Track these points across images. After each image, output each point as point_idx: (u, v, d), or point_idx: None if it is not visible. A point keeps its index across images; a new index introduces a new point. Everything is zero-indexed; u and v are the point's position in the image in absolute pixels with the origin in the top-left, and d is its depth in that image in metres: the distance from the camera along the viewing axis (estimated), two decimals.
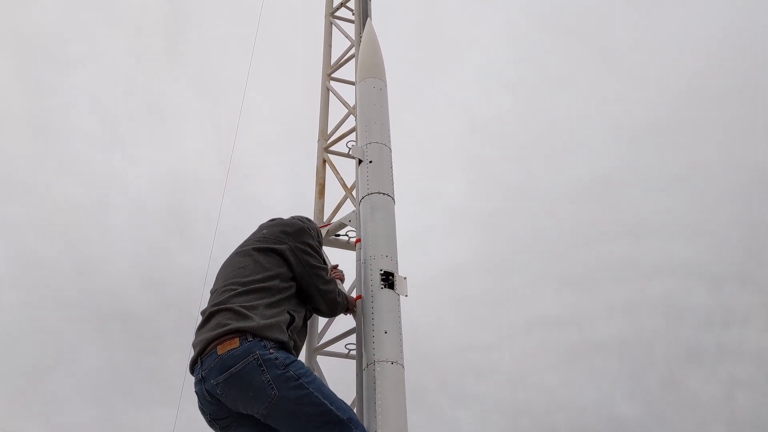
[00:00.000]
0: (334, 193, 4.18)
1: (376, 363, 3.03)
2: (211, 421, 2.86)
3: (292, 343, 2.84)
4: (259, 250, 3.03)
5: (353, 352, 3.51)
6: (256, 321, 2.74)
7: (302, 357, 3.57)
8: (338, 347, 3.65)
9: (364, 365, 3.10)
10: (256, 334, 2.71)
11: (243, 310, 2.78)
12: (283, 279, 2.96)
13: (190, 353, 2.89)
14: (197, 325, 2.92)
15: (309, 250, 3.08)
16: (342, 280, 3.64)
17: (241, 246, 3.15)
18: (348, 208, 3.94)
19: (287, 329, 2.83)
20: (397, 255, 3.41)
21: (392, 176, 3.63)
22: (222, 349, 2.68)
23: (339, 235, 3.92)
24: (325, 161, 4.17)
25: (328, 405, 2.68)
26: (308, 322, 3.72)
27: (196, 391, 2.83)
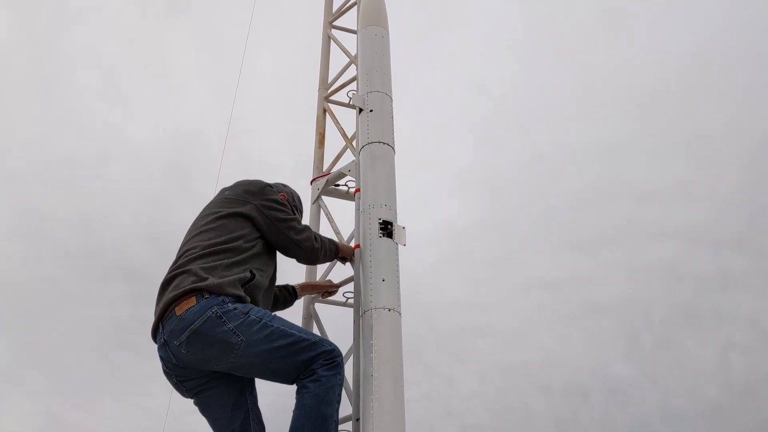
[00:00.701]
0: (334, 143, 4.15)
1: (373, 310, 3.05)
2: (178, 383, 2.85)
3: (248, 299, 2.80)
4: (222, 215, 2.97)
5: (351, 301, 3.53)
6: (211, 280, 2.73)
7: (300, 303, 3.59)
8: (336, 296, 3.66)
9: (361, 312, 3.11)
10: (212, 291, 2.70)
11: (201, 272, 2.76)
12: (247, 240, 2.94)
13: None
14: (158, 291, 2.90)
15: (275, 205, 3.05)
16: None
17: (204, 210, 3.10)
18: (348, 158, 3.91)
19: (243, 286, 2.80)
20: (396, 205, 3.40)
21: (393, 126, 3.60)
22: (180, 310, 2.68)
23: (338, 185, 3.91)
24: (325, 111, 4.13)
25: (297, 333, 2.77)
26: (308, 269, 3.74)
27: (160, 356, 2.80)
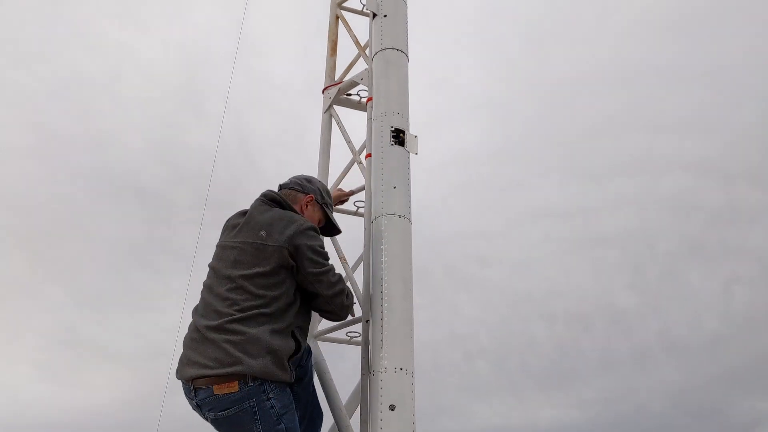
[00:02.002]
0: (346, 53, 4.07)
1: (383, 216, 3.07)
2: (197, 407, 2.70)
3: (294, 375, 2.71)
4: (264, 273, 2.69)
5: (362, 210, 3.56)
6: (257, 362, 2.54)
7: None
8: (347, 205, 3.69)
9: (372, 218, 3.14)
10: (256, 377, 2.55)
11: (246, 343, 2.56)
12: (287, 296, 2.72)
13: (174, 362, 2.73)
14: (186, 335, 2.75)
15: (309, 254, 2.74)
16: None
17: (236, 239, 2.82)
18: (360, 66, 3.85)
19: (289, 361, 2.65)
20: (409, 114, 3.37)
21: (407, 32, 3.52)
22: (219, 390, 2.54)
23: (350, 95, 3.87)
24: (337, 18, 4.03)
25: None
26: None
27: (187, 399, 2.70)
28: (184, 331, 2.82)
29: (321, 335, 3.44)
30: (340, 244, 3.51)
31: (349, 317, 3.09)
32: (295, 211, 2.96)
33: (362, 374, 2.98)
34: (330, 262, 2.86)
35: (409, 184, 3.20)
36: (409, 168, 3.24)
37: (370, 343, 2.89)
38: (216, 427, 2.64)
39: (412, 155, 3.28)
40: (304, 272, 2.75)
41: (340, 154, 3.92)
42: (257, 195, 3.00)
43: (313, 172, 3.93)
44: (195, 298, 3.07)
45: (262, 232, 2.76)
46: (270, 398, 2.57)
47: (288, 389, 2.69)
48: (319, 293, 2.79)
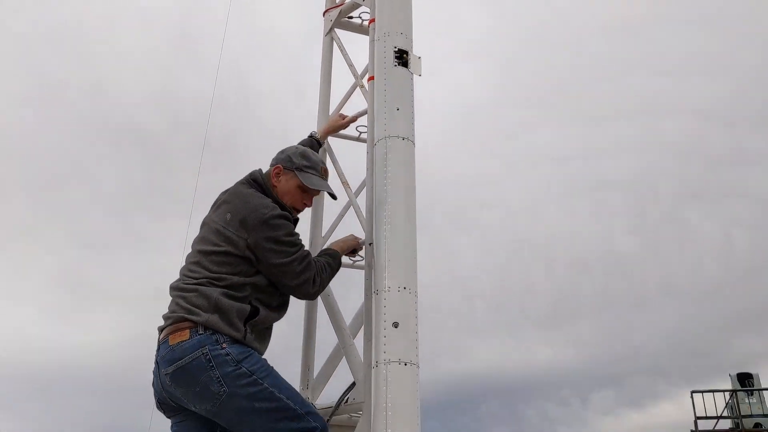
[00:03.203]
0: None
1: (387, 139, 3.03)
2: (158, 404, 2.71)
3: (250, 339, 2.62)
4: (217, 252, 2.69)
5: (364, 135, 3.52)
6: (204, 315, 2.54)
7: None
8: (349, 130, 3.65)
9: (375, 141, 3.11)
10: (207, 326, 2.53)
11: (200, 298, 2.58)
12: (245, 275, 2.67)
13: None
14: None
15: (271, 245, 2.67)
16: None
17: (211, 217, 2.85)
18: None
19: (245, 323, 2.60)
20: (413, 34, 3.29)
21: None
22: (173, 340, 2.54)
23: (351, 17, 3.78)
24: None
25: (284, 399, 2.54)
26: (321, 114, 3.70)
27: (153, 372, 2.67)
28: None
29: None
30: (342, 167, 3.49)
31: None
32: (270, 192, 2.86)
33: (366, 296, 3.00)
34: (298, 247, 2.75)
35: (412, 107, 3.15)
36: (412, 90, 3.18)
37: (374, 264, 2.90)
38: (174, 386, 2.55)
39: (415, 77, 3.22)
40: (267, 263, 2.67)
41: (341, 82, 3.86)
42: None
43: (313, 100, 3.88)
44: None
45: (228, 215, 2.74)
46: (224, 347, 2.52)
47: (248, 348, 2.59)
48: (284, 283, 2.73)
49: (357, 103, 3.68)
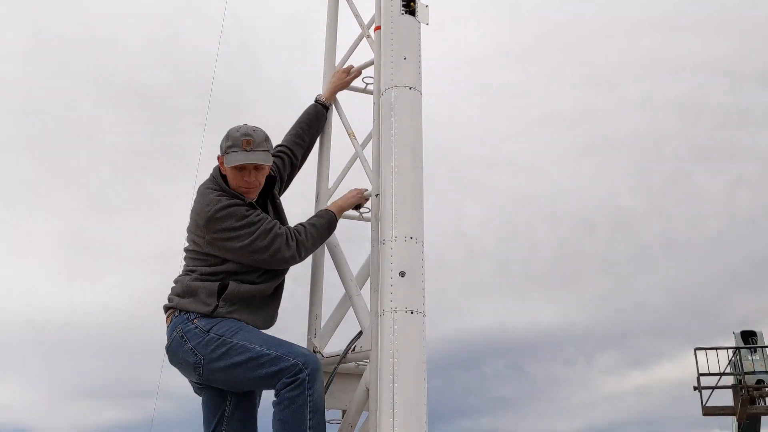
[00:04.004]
0: None
1: (393, 88, 3.00)
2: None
3: (222, 312, 2.78)
4: (188, 249, 2.98)
5: (371, 86, 3.48)
6: (181, 300, 2.83)
7: None
8: (356, 81, 3.60)
9: (381, 91, 3.07)
10: (180, 308, 2.82)
11: (178, 287, 2.89)
12: (215, 264, 2.87)
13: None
14: None
15: (228, 234, 2.80)
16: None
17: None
18: None
19: (218, 298, 2.78)
20: None
21: None
22: (166, 328, 2.89)
23: None
24: None
25: (257, 347, 2.70)
26: (326, 72, 3.65)
27: None
28: None
29: None
30: (349, 119, 3.46)
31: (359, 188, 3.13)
32: (222, 183, 2.93)
33: (372, 246, 3.01)
34: (256, 225, 2.81)
35: (419, 56, 3.11)
36: (419, 39, 3.14)
37: (381, 215, 2.90)
38: (174, 367, 2.90)
39: (423, 27, 3.18)
40: (233, 251, 2.81)
41: (347, 33, 3.80)
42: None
43: (319, 53, 3.82)
44: None
45: (191, 218, 2.95)
46: (194, 322, 2.76)
47: (217, 318, 2.77)
48: (258, 261, 2.84)
49: (363, 56, 3.63)
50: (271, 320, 2.98)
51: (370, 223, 3.10)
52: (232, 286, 2.80)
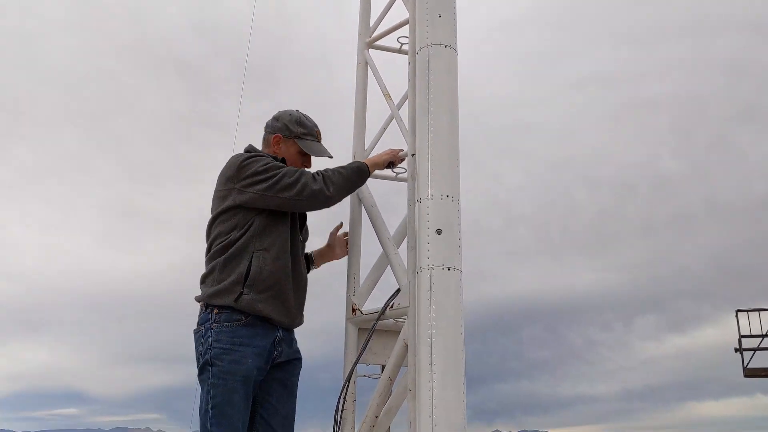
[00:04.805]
0: None
1: (429, 47, 2.99)
2: None
3: (244, 302, 2.77)
4: (213, 220, 2.94)
5: (406, 47, 3.46)
6: (206, 289, 2.84)
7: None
8: (391, 41, 3.60)
9: (416, 49, 3.07)
10: (207, 303, 2.83)
11: (203, 278, 2.90)
12: (241, 227, 2.86)
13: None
14: None
15: (256, 178, 2.84)
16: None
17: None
18: None
19: (243, 285, 2.78)
20: None
21: None
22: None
23: None
24: None
25: (208, 417, 2.71)
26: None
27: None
28: None
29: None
30: (384, 79, 3.47)
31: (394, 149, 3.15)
32: (266, 155, 3.01)
33: (409, 205, 3.04)
34: (283, 168, 2.89)
35: (455, 14, 3.08)
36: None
37: (417, 174, 2.92)
38: None
39: None
40: (260, 193, 2.84)
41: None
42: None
43: (352, 21, 3.82)
44: None
45: (219, 178, 2.96)
46: (212, 327, 2.78)
47: (239, 328, 2.76)
48: (287, 199, 2.85)
49: (397, 11, 3.60)
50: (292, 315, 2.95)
51: (406, 183, 3.12)
52: (258, 263, 2.82)
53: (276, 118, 3.15)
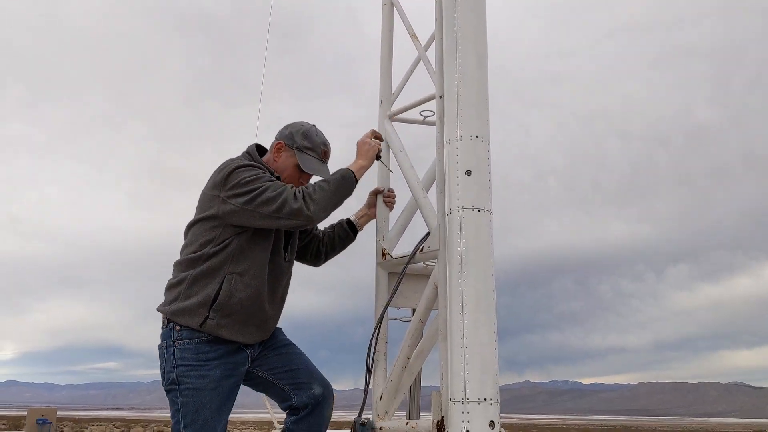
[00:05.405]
0: None
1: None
2: None
3: (211, 322, 2.68)
4: (192, 222, 2.82)
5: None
6: (170, 303, 2.75)
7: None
8: None
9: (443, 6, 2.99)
10: (169, 318, 2.73)
11: (167, 291, 2.79)
12: (217, 242, 2.73)
13: None
14: None
15: (238, 190, 2.69)
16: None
17: None
18: None
19: (210, 308, 2.68)
20: None
21: None
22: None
23: None
24: None
25: (181, 427, 2.66)
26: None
27: None
28: None
29: (394, 116, 3.45)
30: (410, 21, 3.40)
31: (422, 99, 3.10)
32: (261, 164, 2.88)
33: (438, 148, 3.01)
34: (267, 182, 2.72)
35: None
36: None
37: (445, 115, 2.88)
38: None
39: None
40: (241, 207, 2.68)
41: None
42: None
43: None
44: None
45: (209, 179, 2.83)
46: (175, 344, 2.71)
47: (201, 344, 2.70)
48: (266, 215, 2.68)
49: None
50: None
51: (434, 126, 3.09)
52: (234, 283, 2.73)
53: (287, 126, 3.04)
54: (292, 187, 2.74)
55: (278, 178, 2.89)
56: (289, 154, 2.95)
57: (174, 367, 2.68)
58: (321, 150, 2.99)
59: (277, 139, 3.02)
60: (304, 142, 2.96)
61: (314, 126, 3.04)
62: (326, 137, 3.04)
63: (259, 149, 3.04)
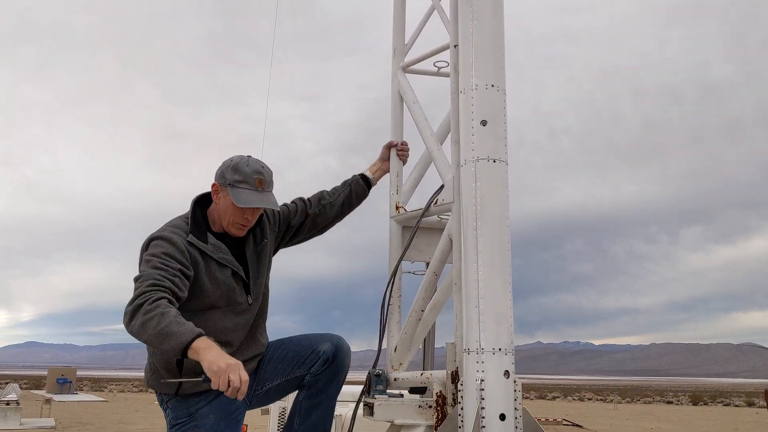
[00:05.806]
0: None
1: None
2: None
3: (186, 386, 2.71)
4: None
5: None
6: (146, 377, 2.86)
7: None
8: None
9: None
10: (154, 390, 2.86)
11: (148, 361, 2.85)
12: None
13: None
14: None
15: (138, 265, 2.65)
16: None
17: None
18: None
19: (180, 369, 2.68)
20: None
21: None
22: None
23: None
24: None
25: None
26: None
27: None
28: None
29: (407, 67, 3.40)
30: None
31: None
32: (199, 216, 2.80)
33: (452, 98, 2.96)
34: (150, 263, 2.56)
35: None
36: None
37: (460, 65, 2.82)
38: None
39: None
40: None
41: None
42: None
43: None
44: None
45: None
46: (168, 406, 2.80)
47: (190, 398, 2.73)
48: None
49: None
50: None
51: (448, 78, 3.03)
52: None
53: (222, 162, 2.83)
54: (154, 283, 2.47)
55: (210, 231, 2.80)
56: (225, 193, 2.76)
57: (171, 427, 2.80)
58: (254, 180, 2.75)
59: (214, 179, 2.82)
60: (235, 176, 2.74)
61: (249, 156, 2.82)
62: (264, 164, 2.82)
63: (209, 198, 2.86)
